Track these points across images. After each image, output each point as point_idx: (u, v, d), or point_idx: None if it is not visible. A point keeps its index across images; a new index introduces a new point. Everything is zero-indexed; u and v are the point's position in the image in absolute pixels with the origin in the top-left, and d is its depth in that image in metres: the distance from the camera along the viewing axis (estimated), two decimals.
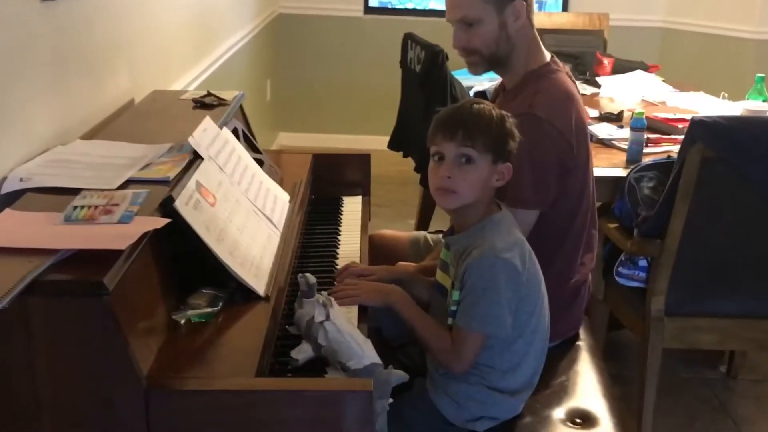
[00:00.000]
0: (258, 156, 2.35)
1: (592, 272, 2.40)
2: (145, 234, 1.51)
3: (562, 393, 2.12)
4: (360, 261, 2.27)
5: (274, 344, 1.69)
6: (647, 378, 2.79)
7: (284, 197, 2.23)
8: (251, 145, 2.40)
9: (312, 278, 1.74)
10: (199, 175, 1.84)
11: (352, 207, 2.62)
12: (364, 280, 2.04)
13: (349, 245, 2.33)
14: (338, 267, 2.15)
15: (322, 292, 1.76)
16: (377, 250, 2.65)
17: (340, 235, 2.39)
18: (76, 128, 2.19)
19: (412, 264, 2.33)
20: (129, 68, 2.63)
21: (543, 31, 4.91)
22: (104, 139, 2.12)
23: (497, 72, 2.27)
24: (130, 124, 2.28)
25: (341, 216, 2.53)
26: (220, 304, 1.66)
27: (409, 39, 3.86)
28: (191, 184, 1.78)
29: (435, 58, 3.53)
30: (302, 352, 1.67)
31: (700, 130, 2.45)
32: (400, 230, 2.81)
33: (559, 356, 2.26)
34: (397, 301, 1.95)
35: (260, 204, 2.04)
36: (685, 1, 5.67)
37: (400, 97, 4.11)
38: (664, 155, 2.97)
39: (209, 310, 1.62)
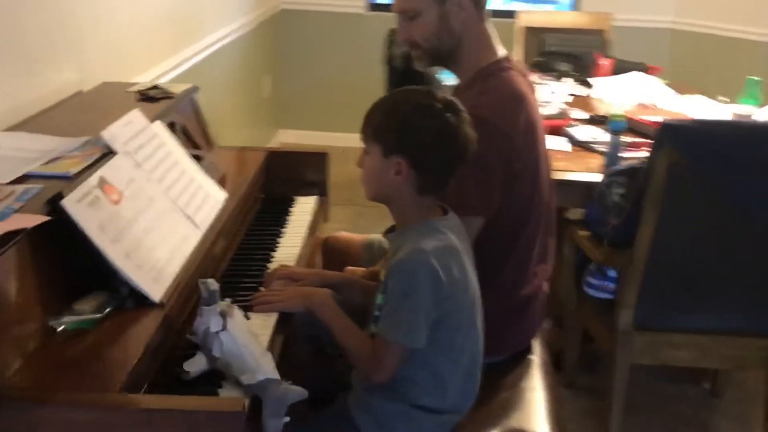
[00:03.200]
0: (197, 152, 2.23)
1: (547, 283, 2.24)
2: (13, 232, 1.39)
3: (500, 412, 1.96)
4: (300, 265, 2.14)
5: (169, 355, 1.56)
6: (614, 394, 2.63)
7: (219, 196, 2.11)
8: (192, 141, 2.28)
9: (213, 284, 1.60)
10: (106, 170, 1.72)
11: (303, 207, 2.49)
12: (290, 285, 1.91)
13: (289, 248, 2.20)
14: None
15: (226, 300, 1.62)
16: (331, 253, 2.53)
17: (281, 237, 2.26)
18: (1, 118, 2.07)
19: (361, 269, 2.20)
20: (78, 58, 2.52)
21: (545, 30, 4.80)
22: (31, 131, 2.00)
23: (447, 68, 2.13)
24: (64, 116, 2.17)
25: (288, 217, 2.40)
26: (107, 310, 1.53)
27: (392, 36, 3.71)
28: (92, 181, 1.66)
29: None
30: (195, 365, 1.55)
31: (669, 133, 2.28)
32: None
33: (504, 371, 2.11)
34: (318, 305, 1.82)
35: (183, 202, 1.91)
36: (696, 2, 5.45)
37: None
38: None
39: (90, 317, 1.49)
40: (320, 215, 2.54)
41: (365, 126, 1.76)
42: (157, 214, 1.78)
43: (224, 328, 1.54)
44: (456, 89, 2.10)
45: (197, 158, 2.22)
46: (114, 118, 2.10)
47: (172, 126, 2.19)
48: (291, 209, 2.46)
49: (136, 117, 2.00)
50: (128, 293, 1.57)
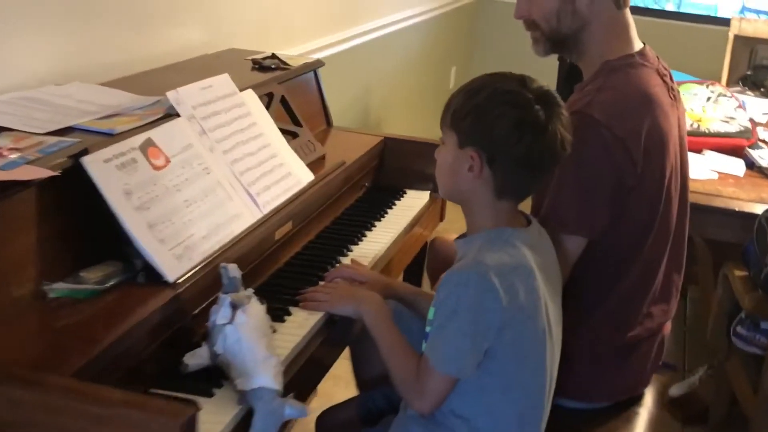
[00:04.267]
0: (291, 128, 2.06)
1: (668, 324, 1.87)
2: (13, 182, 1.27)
3: None
4: (379, 265, 1.92)
5: (183, 342, 1.40)
6: None
7: (303, 177, 1.93)
8: (293, 117, 2.11)
9: (234, 270, 1.42)
10: (157, 132, 1.59)
11: (411, 202, 2.26)
12: (346, 285, 1.70)
13: (373, 243, 1.98)
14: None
15: (248, 290, 1.43)
16: (437, 256, 2.28)
17: (371, 230, 2.04)
18: (99, 73, 2.00)
19: None
20: (211, 21, 2.43)
21: (760, 41, 4.24)
22: (128, 87, 1.90)
23: (569, 57, 1.81)
24: (162, 77, 2.06)
25: (390, 210, 2.18)
26: (111, 282, 1.39)
27: None
28: (133, 141, 1.53)
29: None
30: (195, 357, 1.38)
31: None
32: None
33: (596, 421, 1.78)
34: (367, 312, 1.59)
35: (250, 179, 1.75)
36: None
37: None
38: None
39: (86, 287, 1.35)
40: (431, 212, 2.31)
41: (444, 111, 1.51)
42: (208, 187, 1.62)
43: (231, 321, 1.36)
44: (579, 85, 1.78)
45: (293, 135, 2.05)
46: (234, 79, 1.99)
47: (269, 97, 2.03)
48: (397, 202, 2.24)
49: (220, 82, 1.86)
50: (142, 267, 1.42)
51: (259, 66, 2.24)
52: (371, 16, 3.71)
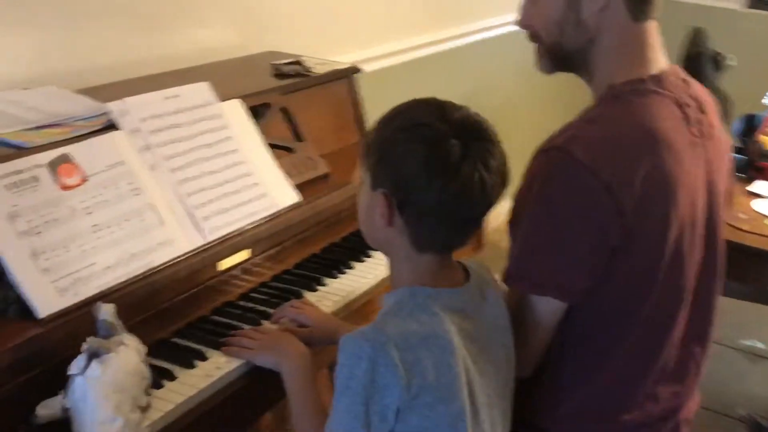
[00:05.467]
0: (288, 144, 1.86)
1: (686, 410, 1.52)
2: None
3: None
4: (359, 303, 1.70)
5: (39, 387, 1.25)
6: None
7: (280, 199, 1.73)
8: (294, 129, 1.91)
9: (105, 312, 1.25)
10: (78, 147, 1.45)
11: None
12: (276, 332, 1.49)
13: (356, 278, 1.75)
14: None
15: (120, 335, 1.26)
16: None
17: (362, 261, 1.81)
18: (102, 75, 1.90)
19: None
20: (241, 22, 2.29)
21: None
22: (111, 92, 1.78)
23: (579, 75, 1.48)
24: (158, 82, 1.92)
25: None
26: None
27: (695, 34, 2.94)
28: (41, 157, 1.40)
29: (692, 61, 2.62)
30: (47, 407, 1.23)
31: None
32: None
33: None
34: (289, 369, 1.38)
35: (197, 201, 1.57)
36: None
37: None
38: None
39: None
40: None
41: (363, 143, 1.27)
42: (132, 210, 1.47)
43: (82, 372, 1.19)
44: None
45: (289, 150, 1.85)
46: (230, 86, 1.84)
47: (262, 107, 1.85)
48: None
49: (192, 91, 1.70)
50: (15, 298, 1.28)
51: (279, 72, 2.06)
52: (475, 16, 3.42)
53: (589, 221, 1.29)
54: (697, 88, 1.47)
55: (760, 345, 3.18)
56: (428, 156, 1.15)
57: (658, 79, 1.39)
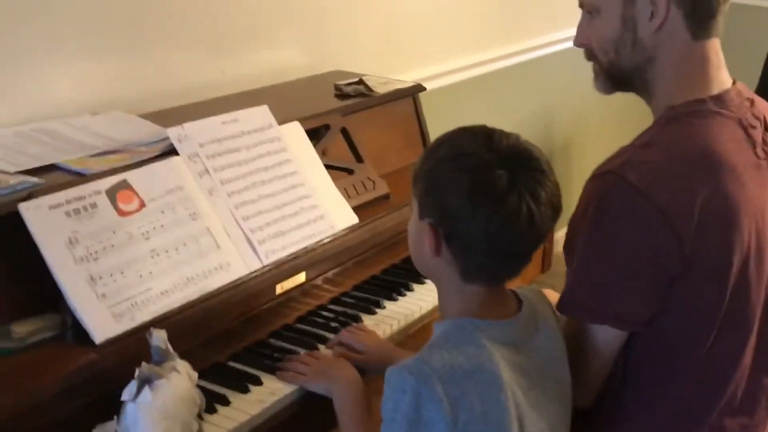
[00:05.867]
0: (347, 165, 1.86)
1: None
2: None
3: None
4: (416, 328, 1.68)
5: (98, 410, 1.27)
6: None
7: (339, 221, 1.73)
8: (354, 150, 1.91)
9: (158, 338, 1.27)
10: (136, 174, 1.48)
11: None
12: (330, 358, 1.48)
13: (415, 301, 1.73)
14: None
15: (174, 361, 1.27)
16: None
17: (422, 283, 1.79)
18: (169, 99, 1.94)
19: None
20: (308, 43, 2.30)
21: None
22: (178, 116, 1.81)
23: (638, 95, 1.44)
24: (224, 105, 1.94)
25: None
26: (37, 338, 1.30)
27: None
28: (101, 184, 1.43)
29: None
30: (103, 430, 1.24)
31: None
32: None
33: None
34: (340, 395, 1.38)
35: (255, 224, 1.59)
36: None
37: None
38: None
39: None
40: None
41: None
42: (189, 235, 1.48)
43: (133, 398, 1.20)
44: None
45: (349, 171, 1.85)
46: (291, 108, 1.87)
47: (324, 129, 1.85)
48: None
49: (251, 115, 1.71)
50: (72, 323, 1.31)
51: (341, 92, 2.06)
52: (542, 30, 3.37)
53: (645, 248, 1.25)
54: (764, 106, 1.40)
55: None
56: (473, 186, 1.13)
57: (720, 99, 1.33)
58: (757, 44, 3.77)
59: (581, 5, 1.42)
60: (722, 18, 1.35)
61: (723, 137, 1.30)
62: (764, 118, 1.37)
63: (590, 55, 1.43)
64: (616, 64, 1.38)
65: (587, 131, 3.78)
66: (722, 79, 1.36)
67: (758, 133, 1.34)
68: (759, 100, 1.40)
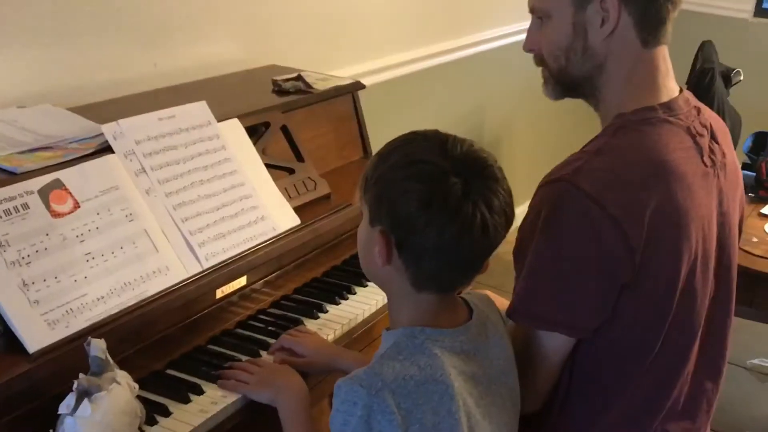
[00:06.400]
0: (288, 164, 1.82)
1: None
2: None
3: None
4: (360, 330, 1.65)
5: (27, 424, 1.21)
6: None
7: (281, 222, 1.69)
8: (295, 150, 1.86)
9: (96, 347, 1.21)
10: (71, 172, 1.41)
11: None
12: (272, 365, 1.44)
13: (358, 304, 1.71)
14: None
15: (113, 371, 1.22)
16: None
17: (364, 286, 1.76)
18: (97, 92, 1.86)
19: None
20: (244, 36, 2.24)
21: None
22: (107, 110, 1.74)
23: (587, 102, 1.44)
24: (154, 99, 1.88)
25: None
26: None
27: (702, 49, 2.90)
28: (32, 184, 1.36)
29: (701, 77, 2.58)
30: None
31: None
32: None
33: None
34: (285, 404, 1.34)
35: (194, 226, 1.53)
36: None
37: None
38: None
39: None
40: None
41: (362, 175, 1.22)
42: (126, 237, 1.42)
43: (72, 412, 1.14)
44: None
45: (290, 171, 1.81)
46: (229, 104, 1.82)
47: (266, 126, 1.81)
48: None
49: (189, 111, 1.65)
50: (3, 331, 1.24)
51: (279, 88, 2.01)
52: (480, 26, 3.37)
53: (597, 255, 1.25)
54: (709, 114, 1.42)
55: None
56: (427, 195, 1.11)
57: (669, 107, 1.34)
58: (683, 47, 3.86)
59: (531, 10, 1.40)
60: (671, 25, 1.36)
61: (672, 145, 1.31)
62: (710, 126, 1.39)
63: (540, 61, 1.42)
64: (566, 71, 1.38)
65: (517, 129, 3.81)
66: (670, 87, 1.37)
67: (705, 141, 1.36)
68: (705, 108, 1.42)
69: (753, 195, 2.53)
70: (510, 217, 1.16)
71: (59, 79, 1.82)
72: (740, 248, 2.16)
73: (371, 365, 1.14)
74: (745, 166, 2.66)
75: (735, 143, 2.94)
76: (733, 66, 3.06)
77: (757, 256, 2.17)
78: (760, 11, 4.77)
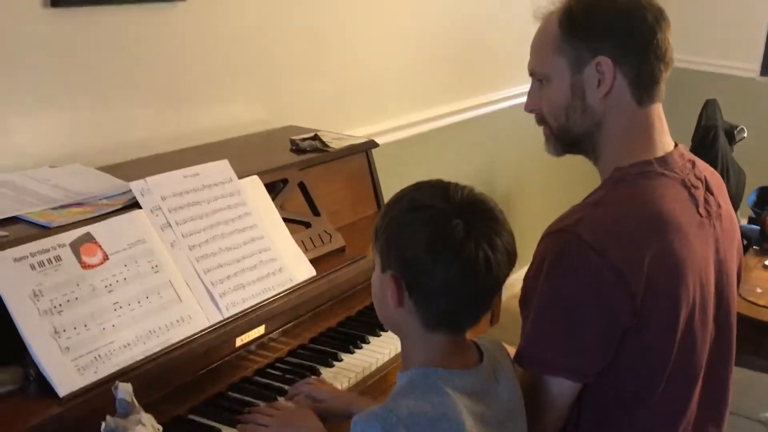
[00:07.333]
0: (305, 218, 1.89)
1: None
2: None
3: None
4: (372, 380, 1.71)
5: None
6: None
7: (298, 274, 1.76)
8: (311, 204, 1.95)
9: (122, 391, 1.27)
10: (100, 227, 1.49)
11: None
12: (292, 409, 1.50)
13: (371, 353, 1.76)
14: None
15: (138, 414, 1.28)
16: None
17: (378, 336, 1.82)
18: (126, 151, 1.96)
19: None
20: (265, 98, 2.35)
21: None
22: (135, 169, 1.83)
23: (587, 157, 1.51)
24: (180, 159, 1.96)
25: None
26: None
27: (706, 107, 2.98)
28: (65, 237, 1.44)
29: (705, 134, 2.65)
30: None
31: None
32: None
33: None
34: None
35: (215, 277, 1.60)
36: None
37: None
38: None
39: None
40: None
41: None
42: (151, 288, 1.50)
43: None
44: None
45: (306, 225, 1.89)
46: (250, 162, 1.91)
47: (284, 183, 1.89)
48: None
49: (212, 169, 1.74)
50: (36, 376, 1.31)
51: (297, 147, 2.10)
52: (488, 88, 3.48)
53: (599, 303, 1.31)
54: (703, 167, 1.49)
55: None
56: (431, 237, 1.18)
57: (665, 161, 1.42)
58: (690, 105, 3.95)
59: (531, 74, 1.49)
60: (664, 84, 1.44)
61: (668, 197, 1.37)
62: (705, 178, 1.46)
63: (541, 120, 1.50)
64: (566, 129, 1.46)
65: (526, 184, 3.89)
66: (665, 141, 1.45)
67: (700, 193, 1.42)
68: (699, 162, 1.49)
69: (758, 248, 2.58)
70: (513, 255, 1.22)
71: (87, 140, 1.91)
72: (745, 298, 2.22)
73: (386, 402, 1.19)
74: (750, 220, 2.73)
75: (740, 199, 3.01)
76: (738, 123, 3.15)
77: (762, 306, 2.22)
78: (766, 70, 4.85)
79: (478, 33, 3.26)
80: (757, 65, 4.81)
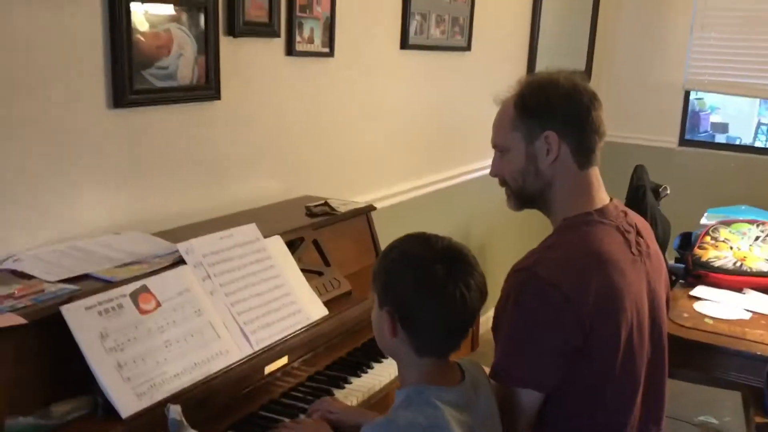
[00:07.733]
0: (318, 268, 1.90)
1: None
2: None
3: None
4: (376, 399, 1.69)
5: None
6: None
7: (313, 313, 1.75)
8: (323, 258, 1.95)
9: (174, 411, 1.26)
10: (154, 280, 1.49)
11: None
12: (313, 424, 1.48)
13: (374, 377, 1.75)
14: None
15: None
16: None
17: (380, 362, 1.81)
18: (174, 219, 1.96)
19: None
20: (283, 173, 2.37)
21: None
22: (181, 234, 1.83)
23: (540, 211, 1.53)
24: (219, 224, 1.97)
25: None
26: (74, 415, 1.28)
27: (635, 171, 3.00)
28: (125, 288, 1.44)
29: (636, 192, 2.67)
30: None
31: None
32: None
33: None
34: None
35: (247, 318, 1.60)
36: None
37: None
38: None
39: (41, 422, 1.24)
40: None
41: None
42: (195, 328, 1.49)
43: None
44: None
45: (319, 273, 1.89)
46: (273, 225, 1.91)
47: (301, 240, 1.90)
48: None
49: (243, 231, 1.74)
50: (102, 403, 1.30)
51: (310, 212, 2.12)
52: (466, 160, 3.51)
53: (554, 326, 1.31)
54: (634, 216, 1.50)
55: (713, 420, 3.08)
56: (418, 279, 1.18)
57: (602, 211, 1.43)
58: (623, 169, 3.99)
59: (494, 146, 1.51)
60: (599, 152, 1.46)
61: (607, 240, 1.38)
62: (635, 225, 1.47)
63: (503, 182, 1.52)
64: (523, 189, 1.47)
65: (494, 235, 3.91)
66: (602, 197, 1.46)
67: (632, 237, 1.43)
68: (630, 212, 1.50)
69: (683, 281, 2.58)
70: (484, 292, 1.23)
71: (143, 212, 1.91)
72: (675, 322, 2.21)
73: (388, 414, 1.18)
74: (676, 260, 2.73)
75: (666, 243, 3.01)
76: (662, 183, 3.18)
77: (688, 327, 2.21)
78: (683, 141, 4.93)
79: (448, 118, 3.31)
80: (675, 138, 4.90)
